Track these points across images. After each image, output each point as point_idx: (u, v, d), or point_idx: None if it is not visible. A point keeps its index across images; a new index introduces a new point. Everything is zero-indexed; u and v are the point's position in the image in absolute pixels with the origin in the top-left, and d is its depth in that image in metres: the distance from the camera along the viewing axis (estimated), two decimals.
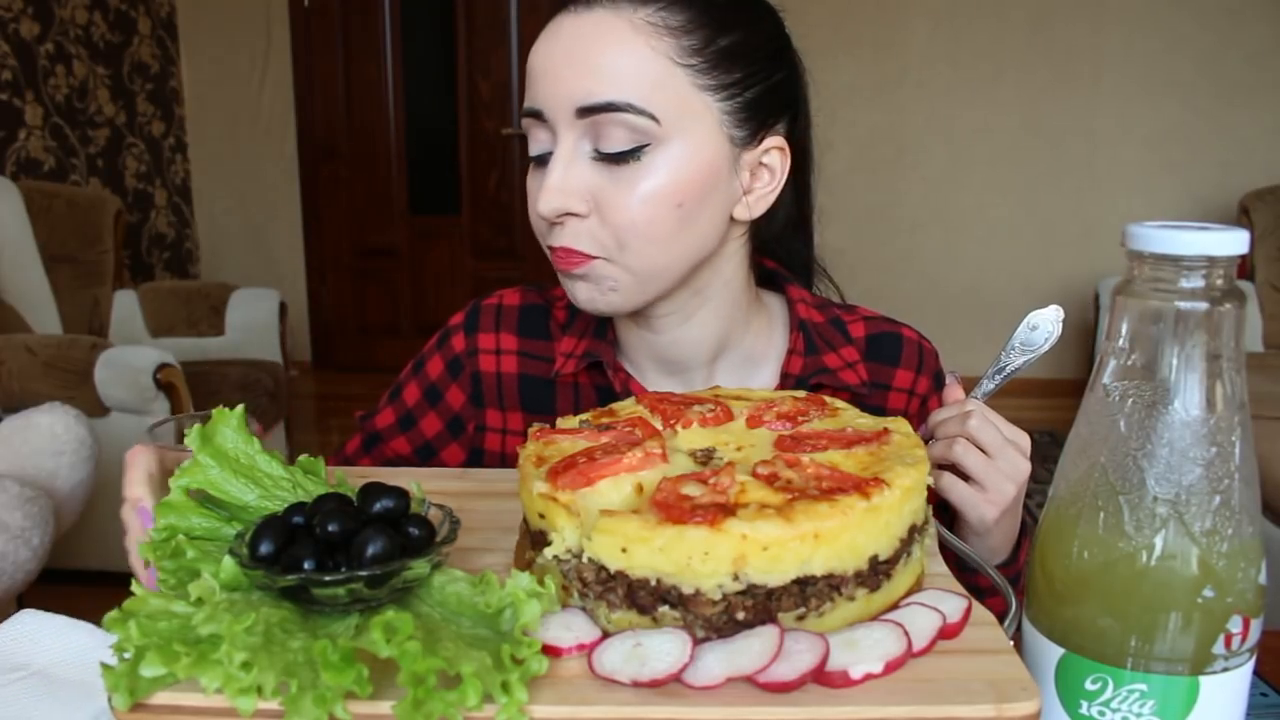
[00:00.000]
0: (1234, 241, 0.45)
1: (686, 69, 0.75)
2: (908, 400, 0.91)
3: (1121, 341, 0.48)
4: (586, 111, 0.74)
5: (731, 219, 0.81)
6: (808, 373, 0.87)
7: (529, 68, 0.78)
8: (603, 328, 0.90)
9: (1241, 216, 3.45)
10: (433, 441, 0.94)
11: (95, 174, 3.94)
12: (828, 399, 0.66)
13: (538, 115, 0.77)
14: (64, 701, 0.63)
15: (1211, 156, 4.13)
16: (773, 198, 0.82)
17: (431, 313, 4.75)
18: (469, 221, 4.70)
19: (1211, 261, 0.46)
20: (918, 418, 0.90)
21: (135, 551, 0.63)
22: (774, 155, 0.81)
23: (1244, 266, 3.35)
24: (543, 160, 0.78)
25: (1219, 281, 0.46)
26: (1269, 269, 3.33)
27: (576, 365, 0.88)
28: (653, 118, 0.74)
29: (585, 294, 0.80)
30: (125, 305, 3.29)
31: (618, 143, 0.74)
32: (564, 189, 0.75)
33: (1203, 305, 0.46)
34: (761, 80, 0.79)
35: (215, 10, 4.53)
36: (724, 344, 0.88)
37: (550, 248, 0.79)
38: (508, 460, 0.91)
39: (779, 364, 0.89)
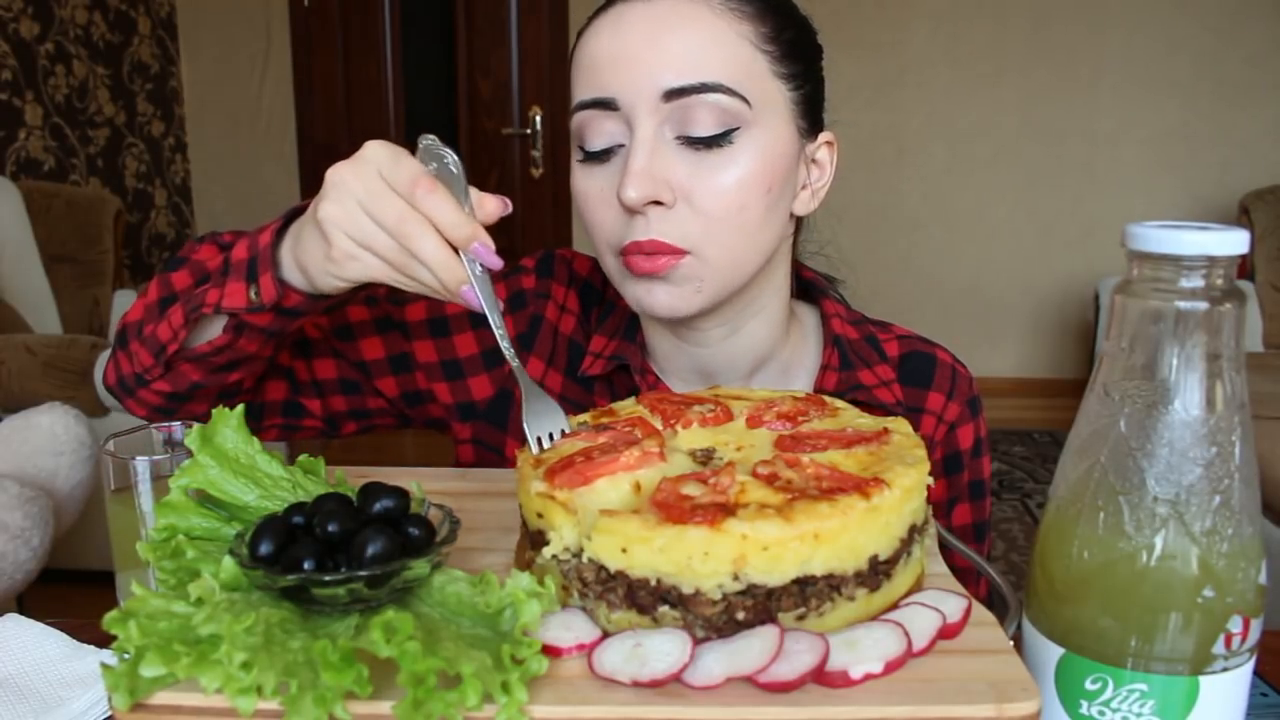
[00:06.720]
0: (1234, 241, 0.45)
1: (765, 54, 0.74)
2: (935, 425, 0.88)
3: (1121, 341, 0.48)
4: (675, 94, 0.71)
5: (790, 215, 0.80)
6: (843, 388, 0.84)
7: (586, 58, 0.75)
8: (632, 329, 0.87)
9: (1241, 216, 3.45)
10: (464, 363, 0.88)
11: (95, 174, 3.94)
12: (827, 399, 0.66)
13: (607, 105, 0.73)
14: (19, 714, 0.62)
15: (1211, 156, 4.13)
16: (824, 193, 0.82)
17: None
18: None
19: (1211, 261, 0.46)
20: (943, 444, 0.88)
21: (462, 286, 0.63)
22: (824, 150, 0.82)
23: (1244, 266, 3.35)
24: (603, 155, 0.75)
25: (1219, 281, 0.46)
26: (1269, 269, 3.33)
27: (604, 367, 0.86)
28: (745, 100, 0.72)
29: (666, 300, 0.75)
30: (125, 305, 3.28)
31: (707, 126, 0.72)
32: (651, 174, 0.71)
33: (1203, 305, 0.46)
34: (815, 77, 0.79)
35: (215, 10, 4.52)
36: (765, 356, 0.86)
37: (625, 250, 0.74)
38: None
39: (811, 378, 0.87)
